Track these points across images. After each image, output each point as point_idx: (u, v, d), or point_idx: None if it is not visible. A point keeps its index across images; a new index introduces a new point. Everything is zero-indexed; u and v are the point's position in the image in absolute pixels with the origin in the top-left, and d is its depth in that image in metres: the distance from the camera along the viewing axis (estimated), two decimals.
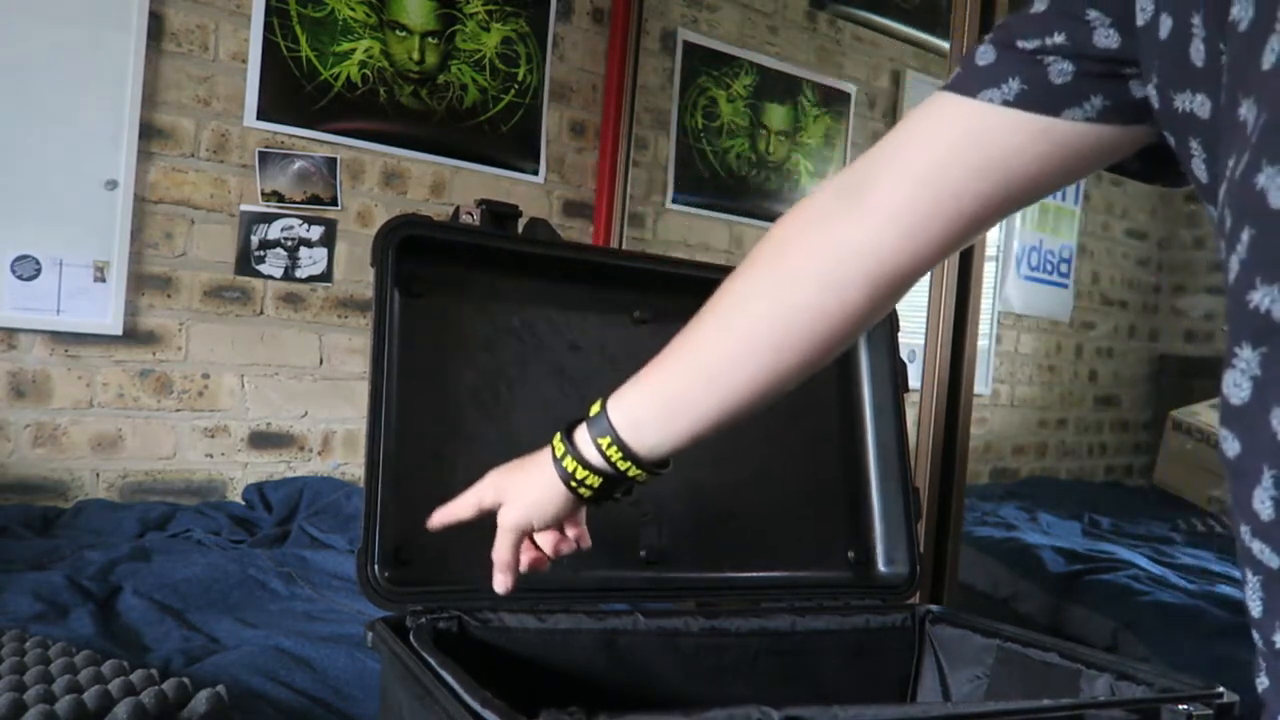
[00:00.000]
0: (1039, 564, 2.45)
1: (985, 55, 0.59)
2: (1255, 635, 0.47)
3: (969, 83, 0.60)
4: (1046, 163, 0.58)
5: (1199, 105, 0.50)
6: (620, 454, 0.75)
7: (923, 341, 1.87)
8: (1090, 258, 4.64)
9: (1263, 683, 0.46)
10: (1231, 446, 0.45)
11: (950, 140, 0.60)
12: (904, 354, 1.36)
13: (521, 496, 0.81)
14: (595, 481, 0.77)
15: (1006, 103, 0.58)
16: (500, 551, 0.83)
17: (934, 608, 1.22)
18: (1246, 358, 0.44)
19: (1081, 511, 3.41)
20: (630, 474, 0.77)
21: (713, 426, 0.75)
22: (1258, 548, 0.45)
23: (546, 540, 0.84)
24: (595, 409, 0.77)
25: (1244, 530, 0.46)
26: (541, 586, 1.11)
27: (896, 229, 0.63)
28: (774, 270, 0.69)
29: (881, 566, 1.31)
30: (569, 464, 0.78)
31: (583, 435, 0.77)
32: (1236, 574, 2.66)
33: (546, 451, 0.81)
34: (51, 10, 2.16)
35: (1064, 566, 2.44)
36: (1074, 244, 4.49)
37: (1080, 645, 1.06)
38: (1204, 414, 3.99)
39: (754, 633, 1.13)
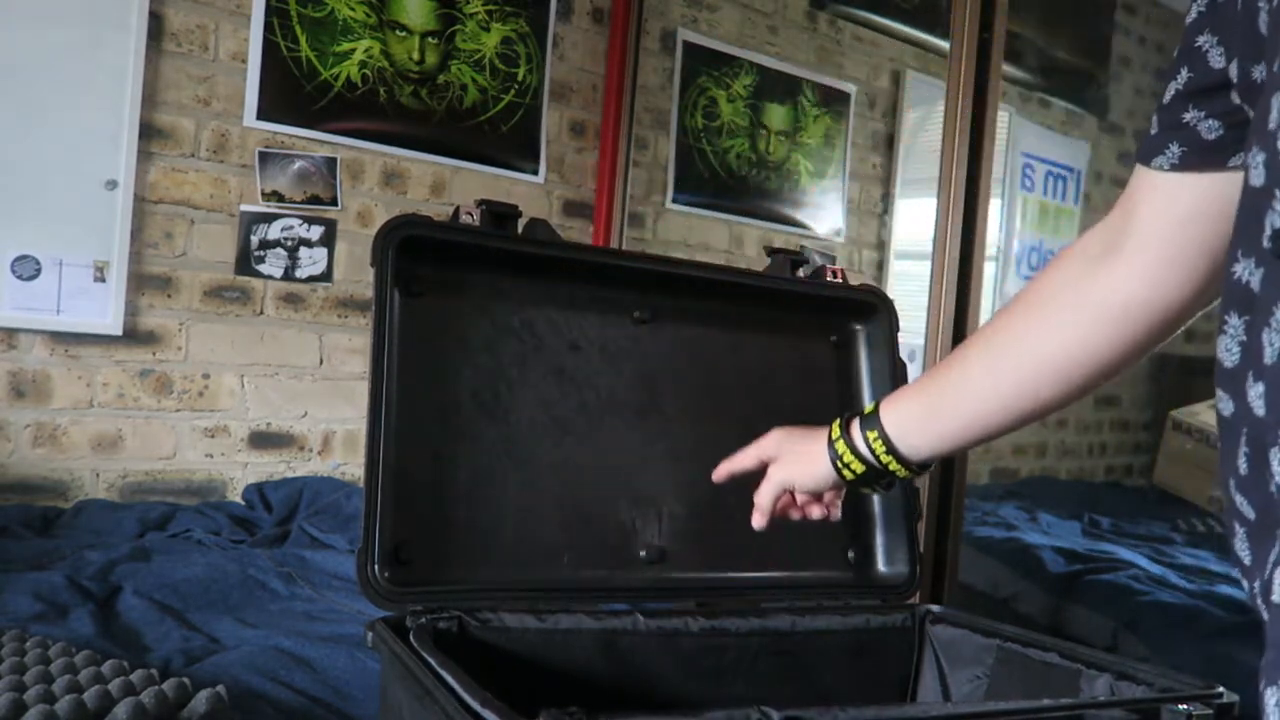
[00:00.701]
0: (1039, 564, 2.45)
1: (1153, 126, 0.65)
2: (1245, 583, 0.50)
3: (1144, 152, 0.66)
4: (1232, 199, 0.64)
5: (1260, 74, 0.53)
6: (885, 449, 0.85)
7: (923, 341, 1.87)
8: None
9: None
10: (1226, 406, 0.48)
11: (1170, 203, 0.65)
12: (904, 354, 1.36)
13: (795, 462, 0.93)
14: (859, 469, 0.88)
15: (1174, 167, 0.63)
16: (762, 497, 0.96)
17: (934, 608, 1.22)
18: (1234, 324, 0.48)
19: (1081, 511, 3.41)
20: (890, 468, 0.87)
21: (971, 444, 0.85)
22: (1240, 500, 0.47)
23: (802, 499, 0.97)
24: (870, 408, 0.88)
25: (1230, 484, 0.48)
26: (542, 586, 1.11)
27: (1152, 280, 0.70)
28: (1039, 315, 0.76)
29: (881, 566, 1.31)
30: (840, 447, 0.89)
31: (855, 429, 0.88)
32: (1236, 574, 2.68)
33: (825, 430, 0.91)
34: (51, 10, 2.16)
35: (1064, 566, 2.44)
36: None
37: (1080, 645, 1.06)
38: (1204, 414, 3.99)
39: (754, 633, 1.13)
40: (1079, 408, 4.63)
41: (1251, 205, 0.46)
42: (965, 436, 0.83)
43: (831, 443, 0.89)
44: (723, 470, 1.01)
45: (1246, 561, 0.49)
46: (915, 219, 3.89)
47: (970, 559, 2.43)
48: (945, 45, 1.92)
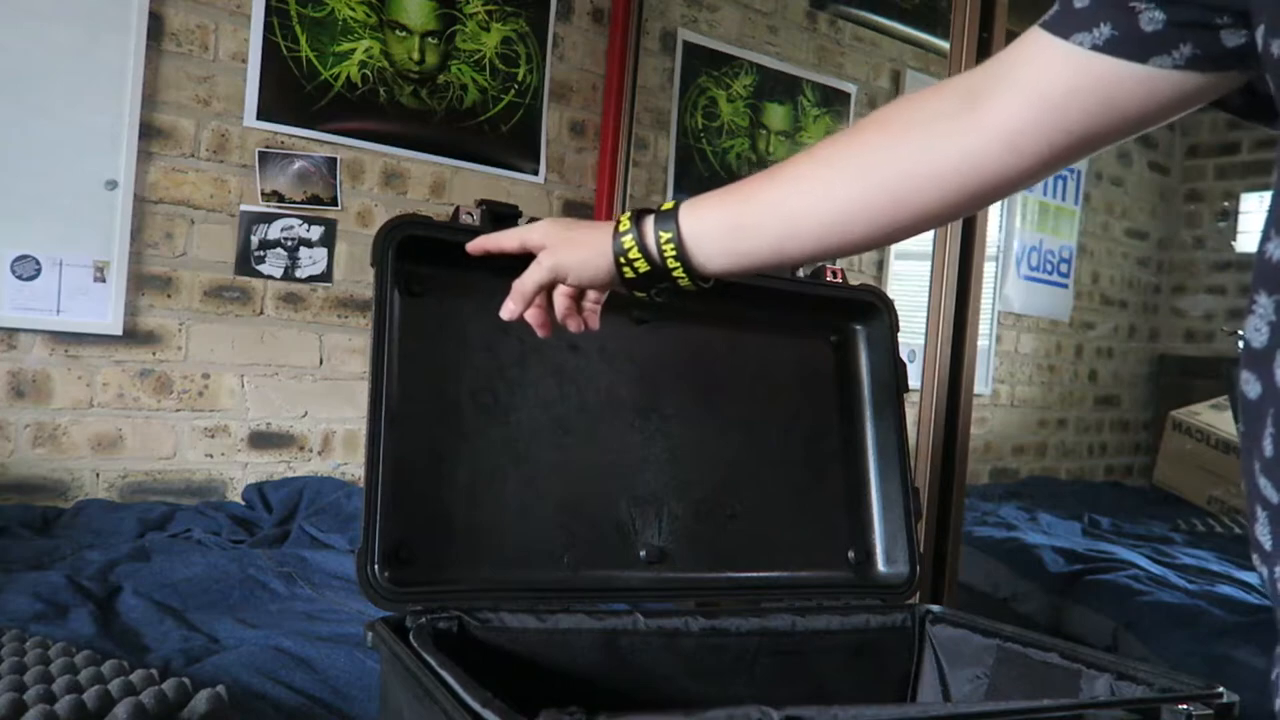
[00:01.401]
0: (1039, 564, 2.45)
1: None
2: (1263, 569, 0.49)
3: (1063, 24, 0.60)
4: (1143, 104, 0.59)
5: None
6: (675, 252, 0.79)
7: (923, 341, 1.87)
8: (1090, 258, 4.64)
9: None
10: (1253, 388, 0.47)
11: (1066, 82, 0.61)
12: (904, 354, 1.36)
13: (570, 250, 0.85)
14: (643, 267, 0.81)
15: (1095, 47, 0.58)
16: (525, 282, 0.88)
17: (934, 608, 1.22)
18: (1264, 304, 0.47)
19: (1081, 511, 3.41)
20: (675, 274, 0.80)
21: (763, 264, 0.79)
22: (1263, 484, 0.46)
23: (562, 300, 0.89)
24: (668, 206, 0.81)
25: (1256, 467, 0.47)
26: (542, 586, 1.11)
27: (1004, 145, 0.65)
28: (870, 143, 0.71)
29: (881, 566, 1.31)
30: (628, 242, 0.81)
31: (648, 224, 0.81)
32: (1237, 574, 2.66)
33: (608, 223, 0.84)
34: (51, 10, 2.16)
35: (1064, 566, 2.44)
36: (1074, 244, 4.49)
37: (1080, 645, 1.06)
38: (1204, 414, 3.99)
39: (754, 633, 1.13)
40: (1079, 408, 4.63)
41: None
42: (764, 257, 0.78)
43: (618, 234, 0.82)
44: (476, 245, 0.93)
45: (1267, 547, 0.48)
46: None
47: (970, 559, 2.43)
48: (945, 45, 1.92)
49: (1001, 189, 0.68)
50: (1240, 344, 0.50)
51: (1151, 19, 0.56)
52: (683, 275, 0.80)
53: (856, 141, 0.72)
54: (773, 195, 0.76)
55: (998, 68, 0.66)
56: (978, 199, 0.69)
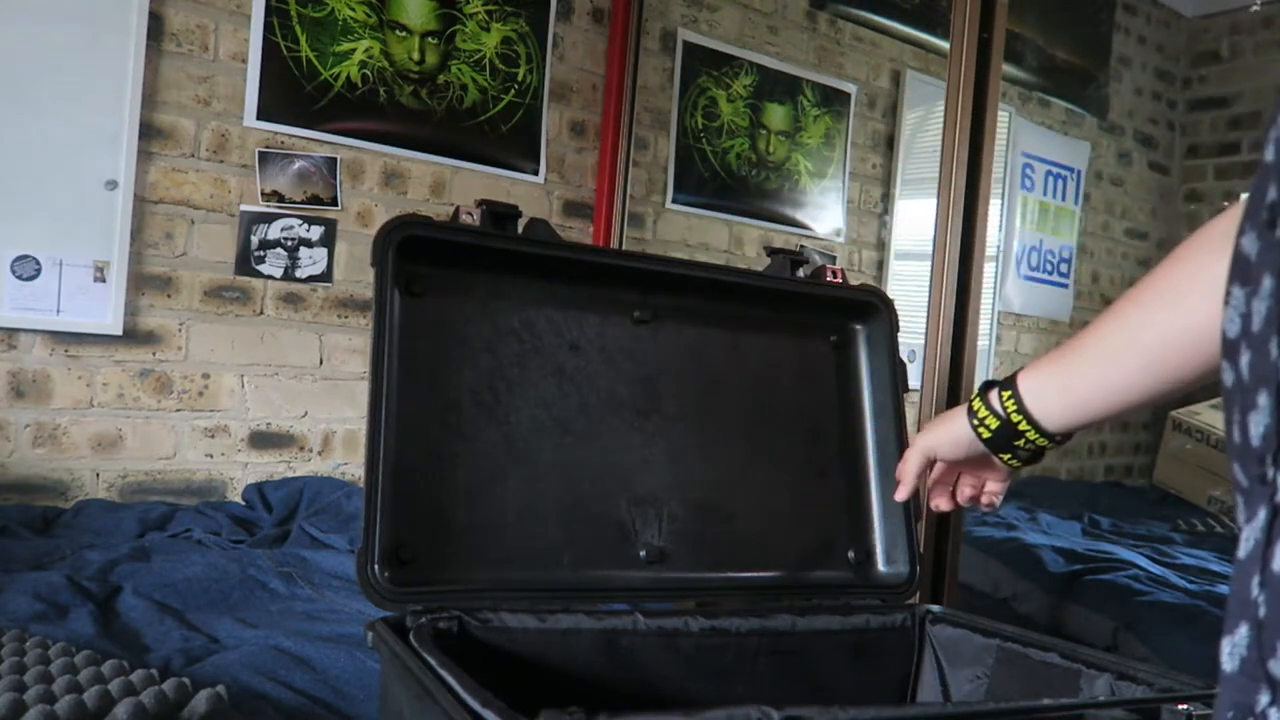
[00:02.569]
0: (1039, 564, 2.45)
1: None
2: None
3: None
4: None
5: None
6: (1016, 408, 0.89)
7: (923, 341, 1.87)
8: (1090, 258, 4.64)
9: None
10: (1228, 377, 0.50)
11: None
12: (904, 354, 1.36)
13: (935, 426, 0.99)
14: (993, 424, 0.91)
15: None
16: (905, 466, 1.01)
17: (934, 608, 1.22)
18: (1237, 295, 0.49)
19: (1081, 511, 3.41)
20: (1022, 429, 0.89)
21: (1104, 415, 0.85)
22: (1235, 469, 0.49)
23: (965, 490, 1.02)
24: (1005, 376, 0.91)
25: (1231, 454, 0.50)
26: (542, 586, 1.11)
27: None
28: (1194, 264, 0.74)
29: (881, 566, 1.31)
30: (976, 404, 0.93)
31: (994, 391, 0.92)
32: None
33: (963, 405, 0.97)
34: (51, 10, 2.16)
35: (1064, 566, 2.44)
36: (1074, 244, 4.49)
37: (1080, 645, 1.06)
38: (1204, 414, 3.99)
39: (754, 633, 1.13)
40: None
41: (1262, 179, 0.47)
42: (1099, 405, 0.84)
43: (970, 407, 0.94)
44: (902, 494, 1.05)
45: (1241, 529, 0.51)
46: (915, 219, 3.89)
47: (970, 559, 2.43)
48: (945, 45, 1.92)
49: None
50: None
51: None
52: (1029, 429, 0.89)
53: (1176, 267, 0.75)
54: (1097, 340, 0.82)
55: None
56: None
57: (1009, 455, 0.93)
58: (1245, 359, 0.48)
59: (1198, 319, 0.74)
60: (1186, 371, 0.77)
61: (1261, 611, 0.45)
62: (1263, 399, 0.46)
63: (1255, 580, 0.45)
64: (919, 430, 1.03)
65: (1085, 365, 0.83)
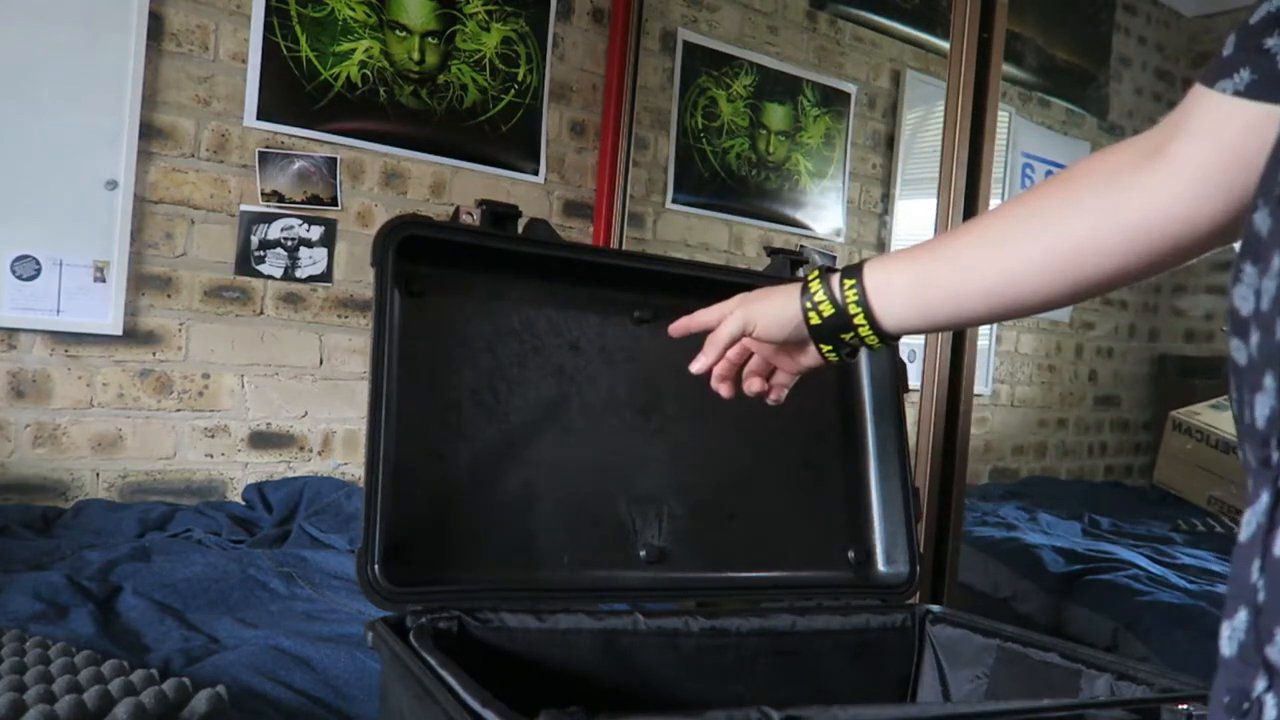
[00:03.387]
0: (1039, 564, 2.45)
1: (1226, 47, 0.62)
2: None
3: (1209, 74, 0.63)
4: None
5: None
6: (856, 299, 0.82)
7: (923, 341, 1.87)
8: None
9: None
10: (1240, 355, 0.49)
11: (1237, 127, 0.63)
12: (904, 354, 1.36)
13: (761, 302, 0.90)
14: (828, 311, 0.84)
15: (1237, 92, 0.61)
16: (718, 335, 0.92)
17: (934, 608, 1.22)
18: (1249, 272, 0.48)
19: (1081, 511, 3.41)
20: (857, 323, 0.83)
21: (942, 319, 0.81)
22: (1246, 450, 0.48)
23: (756, 361, 0.94)
24: (854, 263, 0.85)
25: (1240, 434, 0.49)
26: (542, 586, 1.11)
27: (1194, 190, 0.65)
28: (1052, 196, 0.73)
29: (881, 566, 1.31)
30: (813, 287, 0.85)
31: (835, 277, 0.85)
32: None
33: (797, 282, 0.89)
34: (51, 10, 2.16)
35: (1064, 566, 2.44)
36: None
37: (1080, 645, 1.06)
38: (1204, 414, 3.99)
39: (754, 633, 1.13)
40: (1079, 408, 4.63)
41: (1275, 157, 0.47)
42: (943, 313, 0.80)
43: (806, 283, 0.86)
44: (680, 325, 0.97)
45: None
46: (915, 219, 3.89)
47: (970, 559, 2.43)
48: (945, 45, 1.92)
49: (1188, 242, 0.68)
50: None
51: None
52: (864, 323, 0.83)
53: (1039, 196, 0.73)
54: (954, 249, 0.78)
55: (1169, 122, 0.67)
56: (1165, 254, 0.69)
57: (830, 348, 0.87)
58: (1255, 338, 0.47)
59: (1063, 245, 0.71)
60: (1039, 296, 0.74)
61: (1261, 597, 0.44)
62: (1269, 380, 0.46)
63: (1255, 565, 0.45)
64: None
65: (941, 269, 0.78)
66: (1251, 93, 0.60)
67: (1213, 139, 0.64)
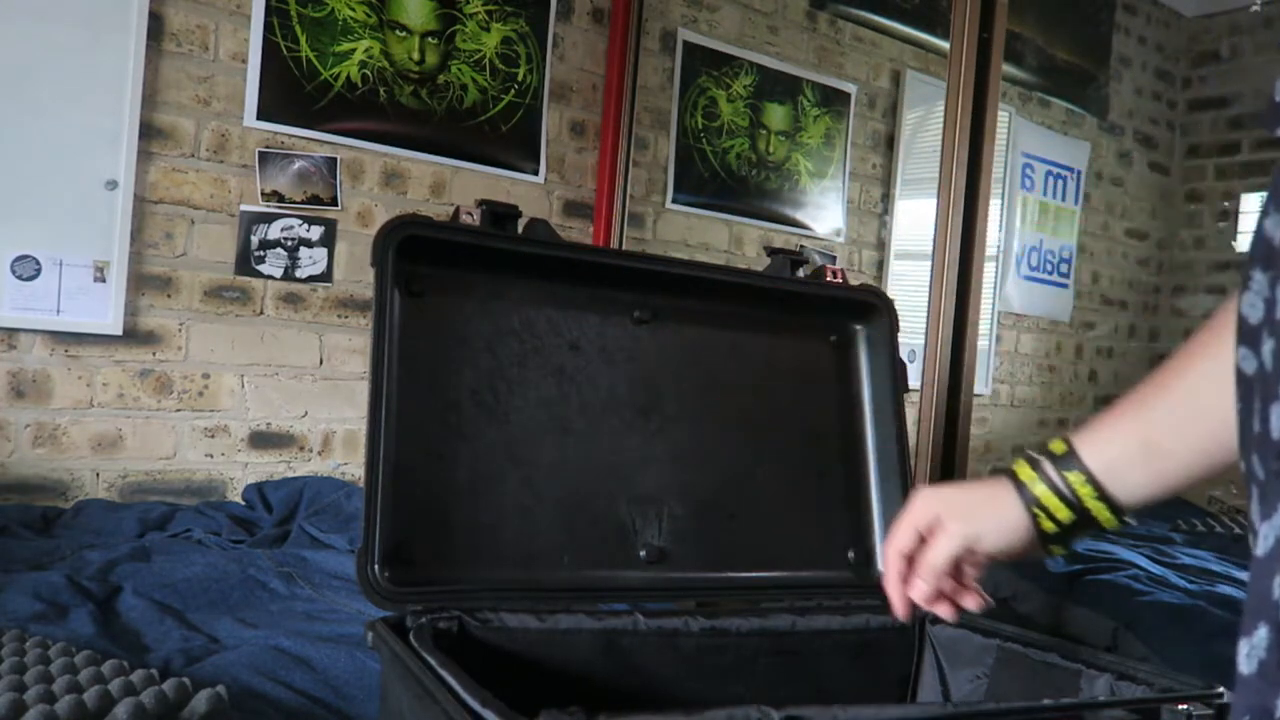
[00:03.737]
0: (1039, 564, 2.45)
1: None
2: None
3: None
4: None
5: None
6: (1093, 494, 0.71)
7: (923, 341, 1.87)
8: (1090, 258, 4.64)
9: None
10: (1249, 364, 0.47)
11: None
12: (904, 354, 1.36)
13: (976, 512, 0.76)
14: (1065, 516, 0.72)
15: None
16: (937, 559, 0.77)
17: None
18: (1259, 280, 0.47)
19: None
20: (1096, 516, 0.72)
21: (1194, 482, 0.70)
22: (1254, 460, 0.47)
23: (946, 582, 0.80)
24: (1058, 446, 0.73)
25: (1248, 444, 0.48)
26: (542, 586, 1.11)
27: None
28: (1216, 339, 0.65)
29: (881, 566, 1.30)
30: (1040, 490, 0.73)
31: (1049, 468, 0.73)
32: (1237, 574, 2.66)
33: (1000, 478, 0.76)
34: (51, 10, 2.16)
35: (1064, 566, 2.44)
36: (1074, 244, 4.49)
37: (1080, 645, 1.06)
38: None
39: (754, 633, 1.13)
40: (1079, 408, 4.63)
41: None
42: (1192, 474, 0.68)
43: (1021, 486, 0.74)
44: (900, 594, 0.82)
45: (1257, 524, 0.49)
46: (915, 219, 3.89)
47: None
48: (945, 45, 1.92)
49: None
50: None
51: None
52: (1106, 514, 0.72)
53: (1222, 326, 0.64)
54: (1182, 402, 0.67)
55: None
56: None
57: (1062, 546, 0.75)
58: (1268, 346, 0.46)
59: None
60: None
61: None
62: None
63: (1277, 580, 0.43)
64: (928, 488, 0.80)
65: (1178, 420, 0.66)
66: None
67: None
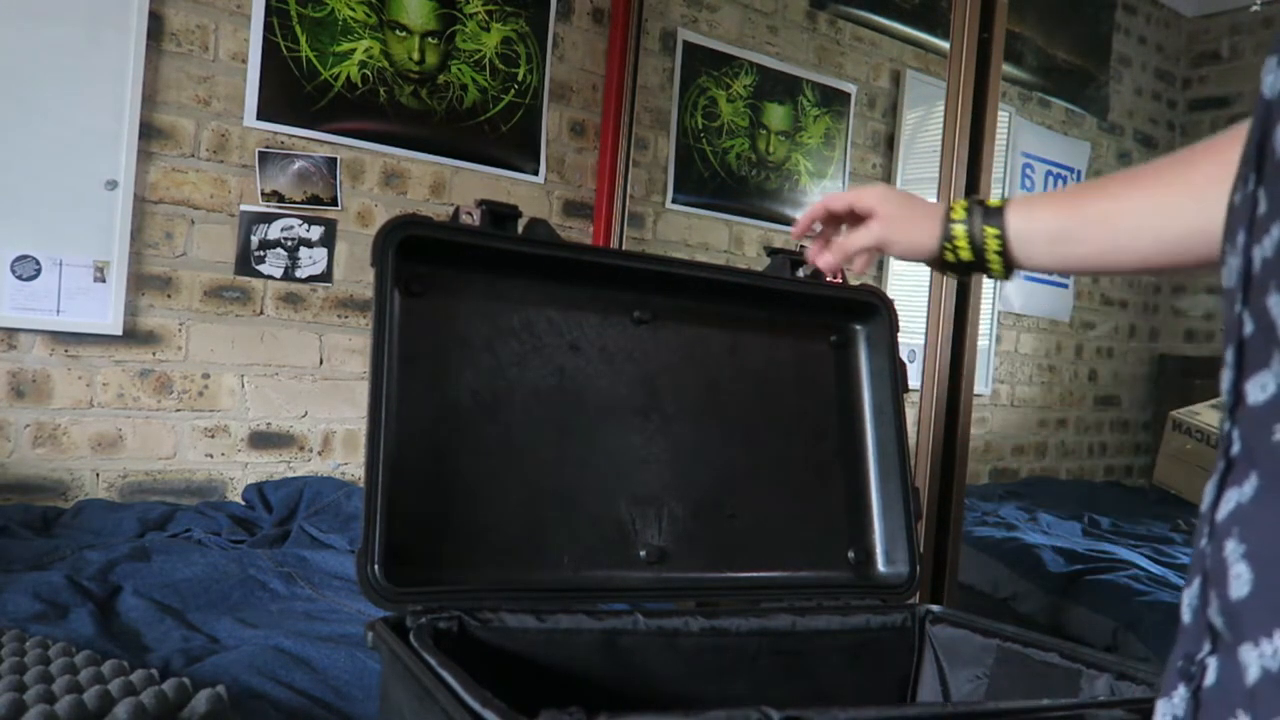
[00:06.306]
0: (1039, 564, 2.45)
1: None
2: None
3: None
4: None
5: None
6: (997, 249, 0.83)
7: (923, 341, 1.87)
8: None
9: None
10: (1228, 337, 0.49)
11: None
12: (904, 354, 1.36)
13: (902, 229, 0.90)
14: (966, 256, 0.86)
15: None
16: (851, 245, 0.93)
17: (934, 608, 1.22)
18: (1227, 252, 0.48)
19: (1081, 511, 3.41)
20: (991, 267, 0.85)
21: (1082, 271, 0.84)
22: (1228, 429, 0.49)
23: (841, 251, 0.95)
24: (995, 203, 0.85)
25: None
26: (542, 586, 1.11)
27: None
28: (1179, 180, 0.72)
29: (881, 566, 1.31)
30: (959, 230, 0.85)
31: (977, 217, 0.85)
32: None
33: (938, 207, 0.88)
34: (51, 10, 2.16)
35: (1064, 566, 2.44)
36: None
37: (1080, 645, 1.06)
38: (1204, 414, 3.99)
39: (754, 633, 1.13)
40: (1079, 408, 4.63)
41: (1262, 117, 0.47)
42: (1080, 266, 0.81)
43: (950, 220, 0.86)
44: (805, 221, 0.98)
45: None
46: None
47: (970, 559, 2.43)
48: (945, 45, 1.92)
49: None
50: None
51: None
52: (998, 268, 0.84)
53: (1200, 163, 0.71)
54: (1105, 209, 0.77)
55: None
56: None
57: (950, 272, 0.90)
58: (1225, 315, 0.48)
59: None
60: (1195, 265, 0.74)
61: (1207, 562, 0.45)
62: (1229, 353, 0.46)
63: (1205, 531, 0.46)
64: (887, 186, 0.97)
65: (1090, 229, 0.77)
66: None
67: None
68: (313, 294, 2.54)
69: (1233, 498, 0.45)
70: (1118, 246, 0.76)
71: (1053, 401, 4.52)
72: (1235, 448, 0.46)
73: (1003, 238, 0.82)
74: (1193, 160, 0.72)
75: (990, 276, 0.87)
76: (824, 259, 0.96)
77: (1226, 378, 0.47)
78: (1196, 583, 0.47)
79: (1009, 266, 0.84)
